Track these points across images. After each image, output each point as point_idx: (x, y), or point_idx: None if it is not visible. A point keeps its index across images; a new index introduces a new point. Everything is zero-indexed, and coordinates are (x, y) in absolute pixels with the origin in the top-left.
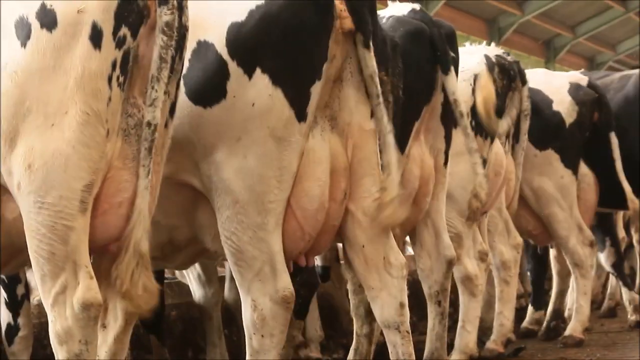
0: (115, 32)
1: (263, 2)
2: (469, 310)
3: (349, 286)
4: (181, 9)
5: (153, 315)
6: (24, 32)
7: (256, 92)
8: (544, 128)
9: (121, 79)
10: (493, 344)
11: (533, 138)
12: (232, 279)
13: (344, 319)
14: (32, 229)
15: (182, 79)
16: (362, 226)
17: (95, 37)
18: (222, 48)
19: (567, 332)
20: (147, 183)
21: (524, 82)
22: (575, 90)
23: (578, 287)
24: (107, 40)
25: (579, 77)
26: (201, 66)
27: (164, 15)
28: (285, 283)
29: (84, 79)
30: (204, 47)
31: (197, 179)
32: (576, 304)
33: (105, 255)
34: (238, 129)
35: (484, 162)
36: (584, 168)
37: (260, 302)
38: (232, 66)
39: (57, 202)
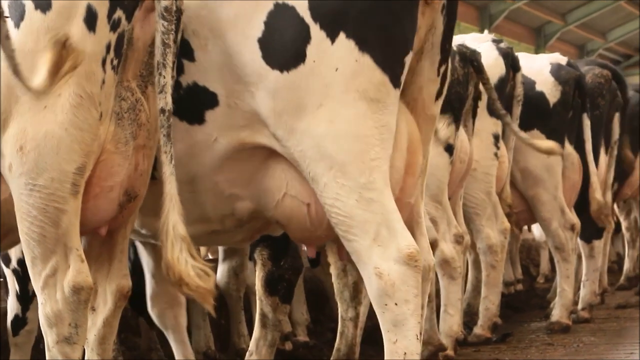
0: (110, 14)
1: None
2: (450, 294)
3: (332, 270)
4: None
5: (141, 298)
6: (17, 13)
7: (340, 57)
8: (528, 109)
9: (115, 62)
10: (480, 329)
11: (520, 111)
12: (223, 262)
13: (333, 303)
14: (23, 211)
15: (258, 42)
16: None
17: (90, 19)
18: (304, 11)
19: (553, 319)
20: (172, 169)
21: (517, 68)
22: (557, 69)
23: (560, 271)
24: (102, 22)
25: (559, 57)
26: (279, 29)
27: (162, 0)
28: (408, 240)
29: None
30: (282, 9)
31: (277, 144)
32: (559, 288)
33: (96, 238)
34: (318, 95)
35: (451, 148)
36: (568, 147)
37: (386, 268)
38: (315, 30)
39: (48, 184)
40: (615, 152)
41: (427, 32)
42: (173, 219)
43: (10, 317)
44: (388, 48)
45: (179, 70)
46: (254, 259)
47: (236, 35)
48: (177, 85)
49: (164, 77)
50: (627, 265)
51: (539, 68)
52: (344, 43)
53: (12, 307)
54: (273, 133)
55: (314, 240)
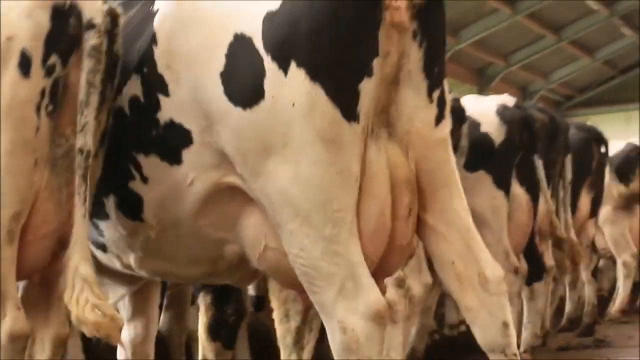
0: (44, 60)
1: None
2: (392, 338)
3: (275, 315)
4: (111, 35)
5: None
6: None
7: (294, 89)
8: (474, 150)
9: (50, 107)
10: None
11: (464, 161)
12: (167, 308)
13: (276, 348)
14: None
15: (220, 77)
16: (447, 240)
17: (24, 64)
18: (258, 41)
19: None
20: (84, 211)
21: (462, 121)
22: (502, 110)
23: None
24: (36, 68)
25: (507, 98)
26: (239, 62)
27: (90, 39)
28: (375, 296)
29: (12, 107)
30: (241, 40)
31: (246, 187)
32: None
33: (33, 285)
34: (283, 133)
35: None
36: (516, 188)
37: (351, 323)
38: (267, 61)
39: None
40: (569, 194)
41: (399, 58)
42: (76, 261)
43: None
44: (338, 76)
45: (156, 106)
46: (197, 304)
47: (202, 67)
48: (155, 122)
49: (86, 117)
50: (568, 306)
51: (485, 109)
52: (296, 74)
53: None
54: (240, 174)
55: None
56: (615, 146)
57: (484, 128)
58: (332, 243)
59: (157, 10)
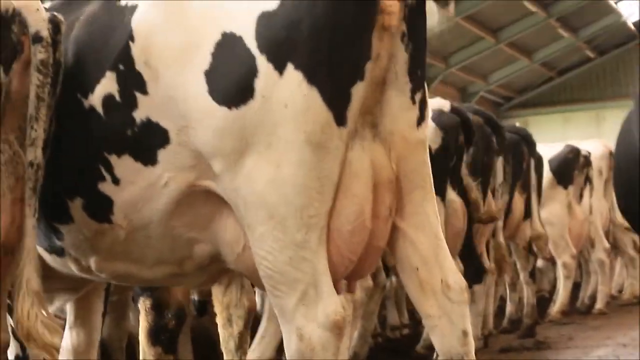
0: None
1: None
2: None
3: (219, 320)
4: (55, 44)
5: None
6: None
7: (289, 91)
8: None
9: None
10: None
11: None
12: (107, 313)
13: (220, 353)
14: None
15: (204, 76)
16: (414, 245)
17: None
18: (250, 41)
19: None
20: (34, 222)
21: None
22: (438, 116)
23: None
24: None
25: (442, 103)
26: (226, 61)
27: (38, 53)
28: (335, 306)
29: None
30: (230, 39)
31: (220, 189)
32: None
33: None
34: (268, 134)
35: None
36: (451, 194)
37: (308, 330)
38: (261, 61)
39: None
40: (503, 195)
41: (388, 60)
42: (27, 273)
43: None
44: (334, 79)
45: (133, 105)
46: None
47: (184, 66)
48: (131, 121)
49: (36, 131)
50: (509, 308)
51: None
52: (293, 75)
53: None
54: (216, 174)
55: None
56: (554, 148)
57: None
58: (302, 249)
59: (130, 6)
